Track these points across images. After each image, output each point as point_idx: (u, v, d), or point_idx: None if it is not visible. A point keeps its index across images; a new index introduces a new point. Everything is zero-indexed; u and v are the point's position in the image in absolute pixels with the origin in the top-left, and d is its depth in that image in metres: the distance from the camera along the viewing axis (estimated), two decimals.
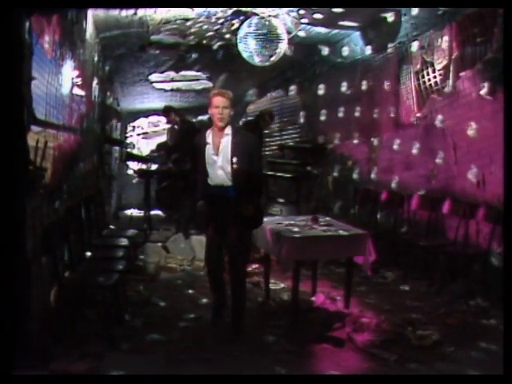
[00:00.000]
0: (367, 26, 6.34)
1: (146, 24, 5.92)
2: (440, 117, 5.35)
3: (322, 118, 7.72)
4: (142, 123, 11.66)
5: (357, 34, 6.67)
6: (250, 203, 3.79)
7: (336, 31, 6.56)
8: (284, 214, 7.80)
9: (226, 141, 3.78)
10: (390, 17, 5.86)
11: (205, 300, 4.63)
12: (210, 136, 3.85)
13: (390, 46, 6.12)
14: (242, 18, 5.61)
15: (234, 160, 3.74)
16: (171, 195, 7.67)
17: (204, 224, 4.09)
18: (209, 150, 3.82)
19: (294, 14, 5.65)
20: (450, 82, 5.19)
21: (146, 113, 11.20)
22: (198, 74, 8.45)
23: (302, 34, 6.37)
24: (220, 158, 3.78)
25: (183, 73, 8.33)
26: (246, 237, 3.91)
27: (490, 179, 4.68)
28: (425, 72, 5.57)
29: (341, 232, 4.29)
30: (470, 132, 4.91)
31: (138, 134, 11.71)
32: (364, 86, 6.69)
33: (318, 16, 5.74)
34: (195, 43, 6.71)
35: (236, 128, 4.00)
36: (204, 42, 6.64)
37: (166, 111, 7.86)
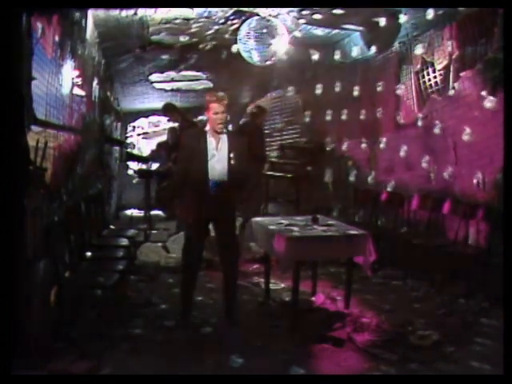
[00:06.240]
0: (367, 26, 6.33)
1: (146, 24, 5.92)
2: (440, 117, 5.34)
3: (322, 118, 7.71)
4: (142, 123, 11.66)
5: (357, 34, 6.66)
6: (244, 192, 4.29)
7: (336, 31, 6.55)
8: (283, 214, 7.81)
9: (224, 139, 4.04)
10: (388, 18, 5.85)
11: (205, 300, 4.65)
12: (209, 133, 4.04)
13: (390, 46, 6.12)
14: (242, 17, 5.61)
15: (232, 155, 4.00)
16: (171, 195, 7.64)
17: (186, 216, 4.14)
18: (210, 144, 4.01)
19: (294, 13, 5.64)
20: (450, 82, 5.19)
21: (146, 113, 11.20)
22: (198, 73, 8.44)
23: (302, 33, 6.36)
24: (220, 154, 4.00)
25: (183, 73, 8.32)
26: (235, 229, 4.25)
27: (490, 179, 4.68)
28: (425, 72, 5.57)
29: (341, 232, 4.28)
30: (470, 132, 4.91)
31: (138, 134, 11.70)
32: (364, 86, 6.68)
33: (317, 16, 5.74)
34: (195, 43, 6.70)
35: (227, 128, 4.23)
36: (204, 42, 6.64)
37: (166, 109, 7.60)
